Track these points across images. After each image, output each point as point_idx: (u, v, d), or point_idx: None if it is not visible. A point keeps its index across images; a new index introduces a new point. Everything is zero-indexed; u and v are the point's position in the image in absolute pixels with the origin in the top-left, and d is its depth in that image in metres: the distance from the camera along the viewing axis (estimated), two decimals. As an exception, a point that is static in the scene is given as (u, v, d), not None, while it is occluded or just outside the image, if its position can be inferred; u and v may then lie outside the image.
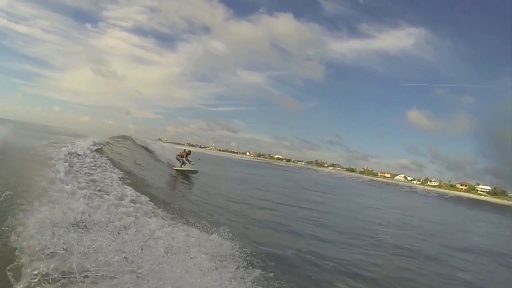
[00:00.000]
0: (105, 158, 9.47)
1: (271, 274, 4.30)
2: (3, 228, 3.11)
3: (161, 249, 3.63)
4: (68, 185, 4.79)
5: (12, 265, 2.71)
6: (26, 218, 3.29)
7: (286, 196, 16.62)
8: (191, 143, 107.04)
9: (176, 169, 16.04)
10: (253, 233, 6.97)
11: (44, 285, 2.52)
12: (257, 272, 4.14)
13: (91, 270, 2.76)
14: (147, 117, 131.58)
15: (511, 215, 37.92)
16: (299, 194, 18.63)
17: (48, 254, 2.81)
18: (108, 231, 3.58)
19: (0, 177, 3.90)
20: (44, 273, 2.60)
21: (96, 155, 9.31)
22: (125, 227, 4.00)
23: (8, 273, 2.64)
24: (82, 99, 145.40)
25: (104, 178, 6.72)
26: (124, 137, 19.78)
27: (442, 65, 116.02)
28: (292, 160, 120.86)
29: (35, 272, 2.60)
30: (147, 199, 6.31)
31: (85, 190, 4.91)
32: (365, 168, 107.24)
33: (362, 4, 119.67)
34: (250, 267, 4.22)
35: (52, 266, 2.66)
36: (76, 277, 2.63)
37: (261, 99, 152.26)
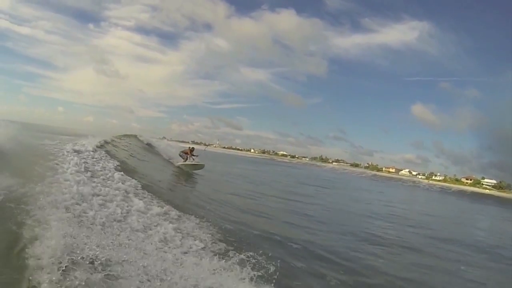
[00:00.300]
0: (114, 164, 9.27)
1: (231, 248, 5.09)
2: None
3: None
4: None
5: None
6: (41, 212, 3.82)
7: (278, 189, 17.47)
8: (195, 141, 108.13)
9: (181, 164, 16.27)
10: (231, 217, 7.94)
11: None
12: (222, 245, 5.07)
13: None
14: (151, 115, 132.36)
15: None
16: (292, 188, 19.44)
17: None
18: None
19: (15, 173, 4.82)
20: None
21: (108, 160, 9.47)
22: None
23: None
24: (86, 99, 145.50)
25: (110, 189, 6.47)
26: (128, 136, 20.59)
27: (446, 59, 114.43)
28: (296, 156, 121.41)
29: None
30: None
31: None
32: (370, 163, 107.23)
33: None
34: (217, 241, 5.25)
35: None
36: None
37: (264, 96, 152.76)
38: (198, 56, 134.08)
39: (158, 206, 6.32)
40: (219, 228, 6.27)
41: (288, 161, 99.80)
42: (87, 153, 9.13)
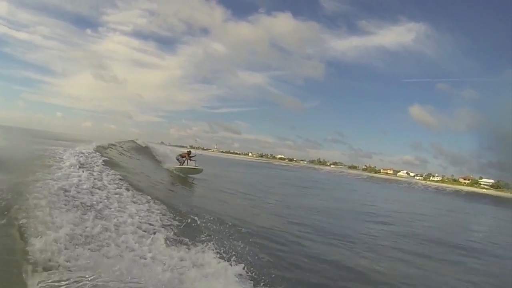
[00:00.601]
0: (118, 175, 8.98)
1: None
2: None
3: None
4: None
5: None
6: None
7: (257, 189, 17.84)
8: (193, 146, 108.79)
9: (177, 168, 16.06)
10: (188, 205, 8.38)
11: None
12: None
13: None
14: (150, 120, 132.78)
15: (509, 207, 38.19)
16: (273, 189, 19.76)
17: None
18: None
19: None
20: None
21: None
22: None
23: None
24: (84, 105, 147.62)
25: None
26: (128, 142, 20.42)
27: (443, 60, 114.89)
28: (294, 159, 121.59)
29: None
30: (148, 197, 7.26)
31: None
32: (368, 166, 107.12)
33: (361, 1, 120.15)
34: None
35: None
36: None
37: (262, 100, 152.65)
38: (195, 61, 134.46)
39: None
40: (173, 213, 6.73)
41: (285, 164, 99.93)
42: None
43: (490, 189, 76.47)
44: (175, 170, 16.26)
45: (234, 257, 4.60)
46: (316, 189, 24.17)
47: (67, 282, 2.72)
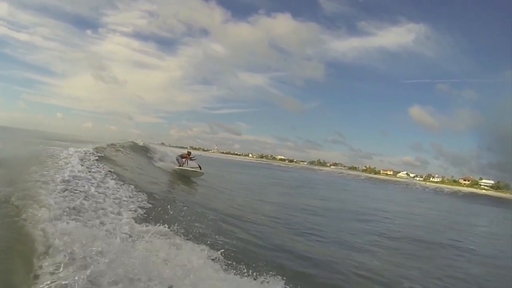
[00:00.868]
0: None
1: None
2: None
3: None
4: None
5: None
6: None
7: (245, 187, 18.18)
8: (194, 146, 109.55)
9: (178, 168, 15.69)
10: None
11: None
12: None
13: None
14: (150, 121, 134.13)
15: (505, 207, 38.12)
16: (261, 188, 20.06)
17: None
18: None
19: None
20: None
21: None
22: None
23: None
24: (85, 105, 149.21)
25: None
26: (127, 142, 20.27)
27: (443, 61, 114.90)
28: (294, 160, 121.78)
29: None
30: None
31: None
32: (367, 167, 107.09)
33: (361, 2, 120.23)
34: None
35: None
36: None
37: (263, 101, 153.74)
38: (196, 62, 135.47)
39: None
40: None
41: (284, 165, 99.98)
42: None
43: (490, 190, 76.15)
44: (174, 170, 15.86)
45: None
46: (306, 189, 24.34)
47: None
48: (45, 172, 6.22)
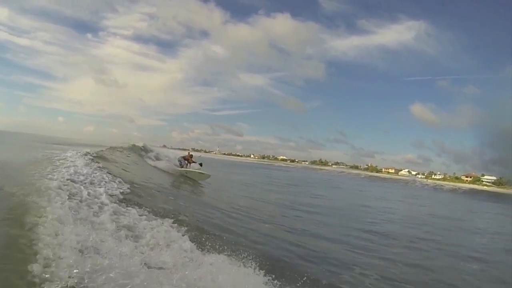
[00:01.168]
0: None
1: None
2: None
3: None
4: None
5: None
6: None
7: (235, 186, 18.90)
8: (196, 148, 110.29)
9: (182, 170, 15.67)
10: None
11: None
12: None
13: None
14: (152, 124, 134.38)
15: (503, 202, 38.09)
16: (251, 186, 20.60)
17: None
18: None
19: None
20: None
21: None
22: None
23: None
24: (86, 109, 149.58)
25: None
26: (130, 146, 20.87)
27: (443, 57, 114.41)
28: (296, 160, 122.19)
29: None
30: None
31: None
32: (369, 165, 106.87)
33: (360, 0, 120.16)
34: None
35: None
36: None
37: (264, 101, 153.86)
38: (196, 63, 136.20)
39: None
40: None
41: (284, 165, 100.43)
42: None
43: (492, 186, 75.64)
44: (179, 172, 15.83)
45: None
46: (295, 187, 24.90)
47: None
48: (45, 172, 6.71)
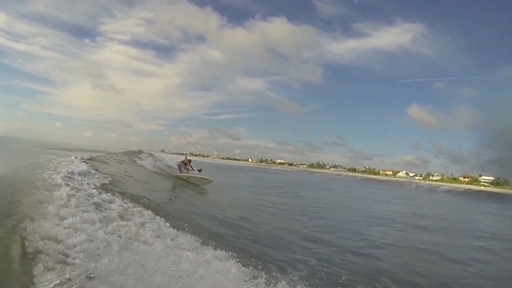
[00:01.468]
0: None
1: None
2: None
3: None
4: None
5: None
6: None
7: (219, 187, 18.99)
8: (194, 153, 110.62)
9: (185, 176, 15.84)
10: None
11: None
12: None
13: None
14: (150, 129, 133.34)
15: (495, 202, 38.01)
16: (236, 188, 20.98)
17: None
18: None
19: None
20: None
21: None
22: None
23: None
24: (84, 114, 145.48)
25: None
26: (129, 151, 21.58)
27: (440, 59, 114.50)
28: (294, 164, 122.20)
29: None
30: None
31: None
32: (367, 167, 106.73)
33: (357, 4, 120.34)
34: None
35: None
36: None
37: (261, 105, 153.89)
38: (193, 68, 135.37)
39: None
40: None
41: (280, 168, 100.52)
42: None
43: (489, 186, 75.31)
44: (179, 177, 16.00)
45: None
46: (280, 188, 25.20)
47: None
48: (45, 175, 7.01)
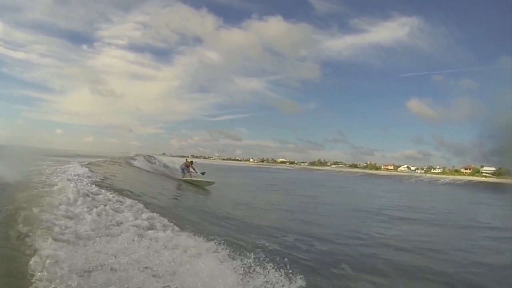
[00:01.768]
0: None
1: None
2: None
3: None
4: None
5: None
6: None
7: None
8: (195, 155, 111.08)
9: (189, 179, 16.41)
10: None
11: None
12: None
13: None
14: (150, 132, 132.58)
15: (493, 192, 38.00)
16: (230, 188, 20.74)
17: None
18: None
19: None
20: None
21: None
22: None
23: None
24: (84, 120, 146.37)
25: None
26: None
27: (438, 52, 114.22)
28: (295, 162, 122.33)
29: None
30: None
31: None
32: (368, 163, 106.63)
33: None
34: None
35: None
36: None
37: (261, 105, 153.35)
38: (191, 70, 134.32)
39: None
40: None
41: (280, 167, 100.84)
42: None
43: (491, 177, 74.94)
44: (184, 180, 16.54)
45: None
46: (274, 186, 25.56)
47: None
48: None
